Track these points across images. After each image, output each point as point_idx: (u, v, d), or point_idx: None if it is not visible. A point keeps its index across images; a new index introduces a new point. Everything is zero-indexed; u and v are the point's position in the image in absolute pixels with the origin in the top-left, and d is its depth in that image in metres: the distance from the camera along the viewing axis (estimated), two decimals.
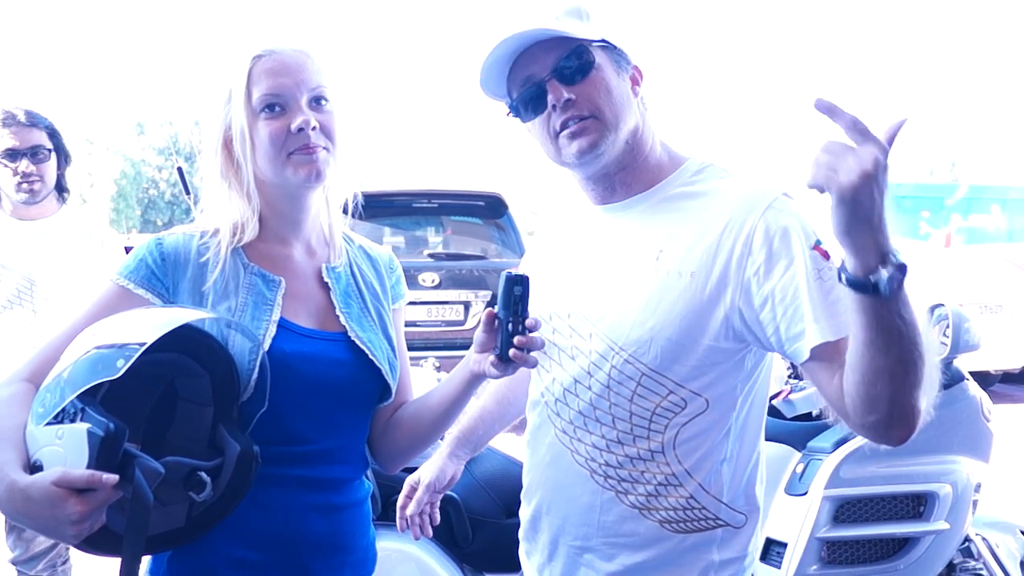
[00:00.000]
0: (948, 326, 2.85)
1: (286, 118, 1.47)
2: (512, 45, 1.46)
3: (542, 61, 1.46)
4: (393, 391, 1.60)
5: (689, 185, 1.51)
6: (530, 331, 1.41)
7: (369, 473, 1.66)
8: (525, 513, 1.67)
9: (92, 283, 2.97)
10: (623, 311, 1.47)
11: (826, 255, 1.36)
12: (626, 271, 1.50)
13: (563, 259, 1.63)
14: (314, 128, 1.47)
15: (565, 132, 1.46)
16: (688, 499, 1.47)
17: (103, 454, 1.21)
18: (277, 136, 1.47)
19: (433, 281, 7.66)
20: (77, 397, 1.24)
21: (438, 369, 4.33)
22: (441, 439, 2.64)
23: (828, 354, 1.33)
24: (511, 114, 1.54)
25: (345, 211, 1.66)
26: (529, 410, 1.66)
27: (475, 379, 1.51)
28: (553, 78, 1.45)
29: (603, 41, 1.48)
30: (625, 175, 1.53)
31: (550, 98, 1.46)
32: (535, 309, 1.55)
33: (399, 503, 1.94)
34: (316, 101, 1.50)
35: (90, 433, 1.21)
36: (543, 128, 1.49)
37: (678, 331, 1.42)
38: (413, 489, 1.92)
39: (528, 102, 1.49)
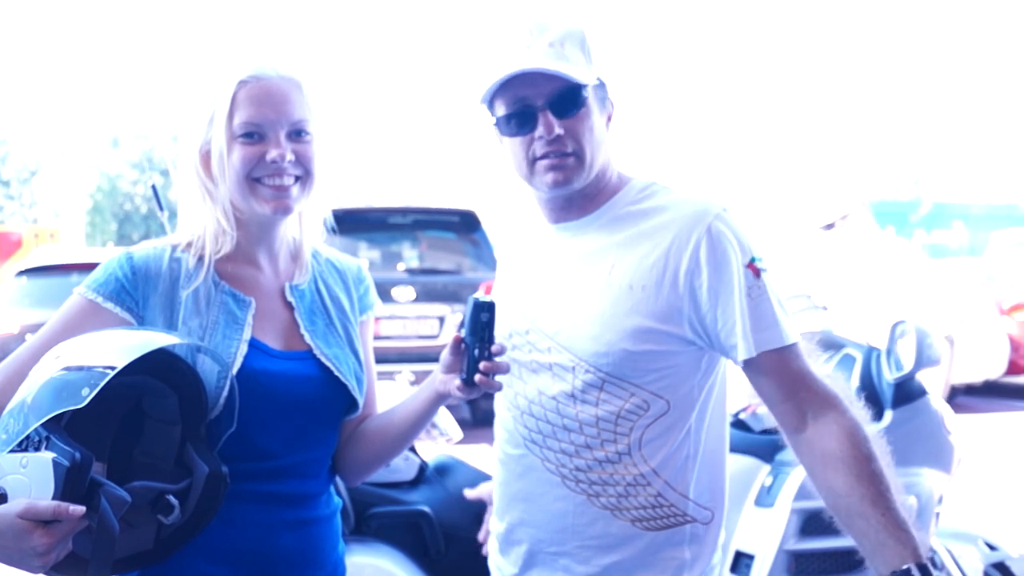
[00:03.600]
0: (911, 341, 2.91)
1: (262, 146, 1.48)
2: (515, 71, 1.50)
3: (539, 88, 1.50)
4: (360, 405, 1.60)
5: (636, 203, 1.58)
6: (496, 356, 1.44)
7: (341, 488, 1.67)
8: (499, 528, 1.69)
9: None
10: (579, 325, 1.54)
11: (757, 272, 1.49)
12: (581, 286, 1.56)
13: (519, 277, 1.69)
14: (290, 160, 1.49)
15: (544, 162, 1.52)
16: (656, 497, 1.54)
17: (69, 484, 1.20)
18: (248, 161, 1.48)
19: (408, 296, 7.67)
20: (42, 424, 1.23)
21: (413, 383, 4.34)
22: (415, 454, 2.66)
23: (761, 363, 1.49)
24: (491, 116, 1.59)
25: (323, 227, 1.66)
26: (497, 427, 1.70)
27: (440, 398, 1.53)
28: (548, 109, 1.50)
29: (598, 81, 1.56)
30: (583, 199, 1.60)
31: (540, 129, 1.51)
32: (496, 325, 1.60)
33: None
34: (297, 133, 1.51)
35: (56, 463, 1.20)
36: (522, 148, 1.54)
37: (633, 341, 1.50)
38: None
39: (516, 121, 1.53)
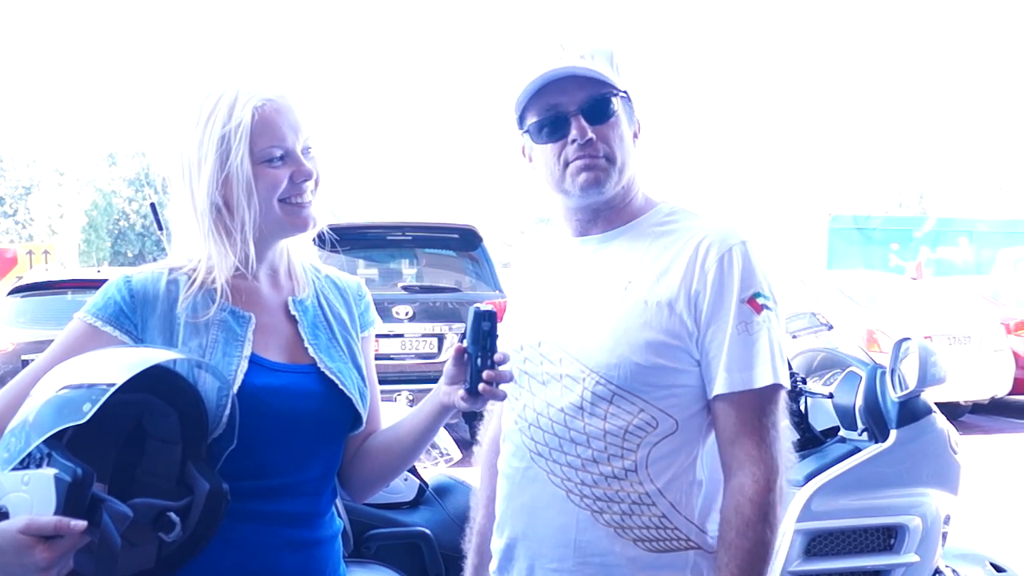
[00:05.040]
0: (915, 360, 2.89)
1: (287, 168, 1.51)
2: (548, 74, 1.55)
3: (572, 95, 1.55)
4: (364, 420, 1.60)
5: (661, 225, 1.61)
6: (499, 365, 1.44)
7: (341, 510, 1.66)
8: (498, 544, 1.68)
9: None
10: (592, 336, 1.55)
11: (758, 308, 1.51)
12: (597, 299, 1.58)
13: (536, 289, 1.70)
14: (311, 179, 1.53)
15: (578, 163, 1.56)
16: (661, 518, 1.53)
17: (71, 500, 1.20)
18: (277, 184, 1.51)
19: (407, 314, 7.65)
20: (43, 442, 1.23)
21: (411, 404, 4.32)
22: (414, 475, 2.63)
23: (726, 400, 1.51)
24: (520, 127, 1.63)
25: (322, 243, 1.67)
26: (502, 440, 1.69)
27: (445, 410, 1.53)
28: (580, 114, 1.55)
29: (625, 93, 1.60)
30: (610, 212, 1.63)
31: (573, 132, 1.55)
32: (508, 338, 1.62)
33: None
34: (307, 150, 1.54)
35: (57, 479, 1.20)
36: (555, 155, 1.57)
37: (644, 355, 1.51)
38: None
39: (548, 128, 1.57)
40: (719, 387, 1.50)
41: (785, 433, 1.55)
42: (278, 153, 1.50)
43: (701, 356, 1.52)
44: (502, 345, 1.50)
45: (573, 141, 1.55)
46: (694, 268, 1.52)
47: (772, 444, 1.50)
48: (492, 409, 1.82)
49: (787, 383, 1.54)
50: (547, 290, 1.67)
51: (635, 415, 1.52)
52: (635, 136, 1.63)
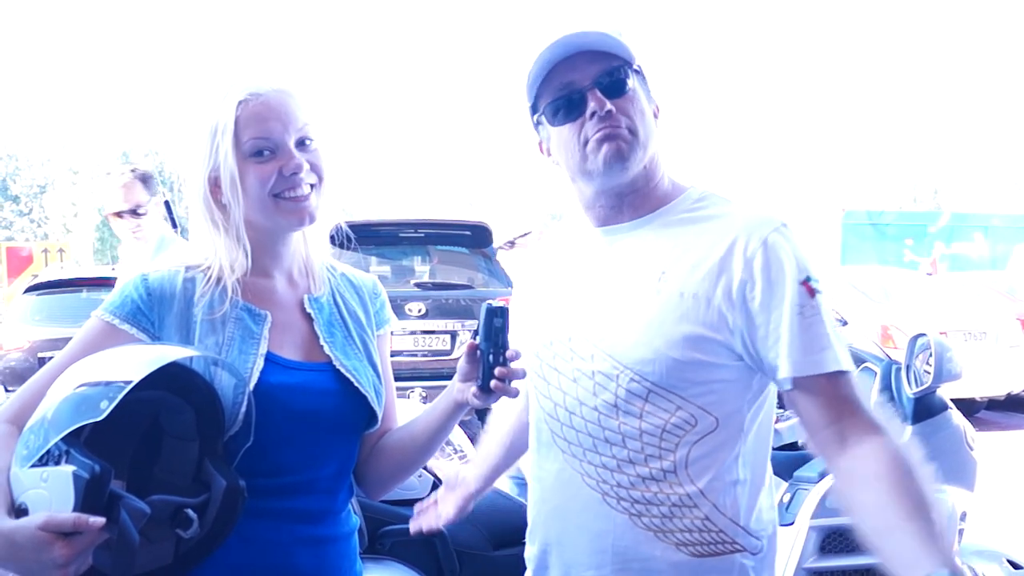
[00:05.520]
0: (931, 355, 2.87)
1: (276, 162, 1.49)
2: (557, 51, 1.49)
3: (584, 70, 1.48)
4: (379, 418, 1.60)
5: (692, 212, 1.53)
6: (511, 362, 1.44)
7: (356, 507, 1.66)
8: (531, 552, 1.62)
9: None
10: (626, 331, 1.47)
11: (812, 292, 1.42)
12: (628, 292, 1.50)
13: (561, 283, 1.62)
14: (305, 170, 1.50)
15: (598, 135, 1.47)
16: (704, 520, 1.46)
17: (89, 497, 1.21)
18: (266, 179, 1.49)
19: (419, 311, 7.65)
20: (61, 439, 1.24)
21: (424, 400, 4.34)
22: (428, 472, 2.64)
23: (806, 386, 1.41)
24: (535, 115, 1.57)
25: (334, 242, 1.67)
26: (531, 441, 1.64)
27: (458, 407, 1.53)
28: (596, 88, 1.48)
29: (639, 68, 1.53)
30: (634, 197, 1.54)
31: (591, 106, 1.47)
32: (535, 333, 1.58)
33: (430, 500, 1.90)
34: (302, 142, 1.52)
35: (75, 476, 1.21)
36: (574, 134, 1.50)
37: (681, 350, 1.43)
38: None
39: (564, 107, 1.50)
40: (786, 371, 1.40)
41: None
42: (265, 146, 1.49)
43: (756, 346, 1.43)
44: (529, 341, 1.49)
45: (593, 115, 1.47)
46: (735, 257, 1.44)
47: (884, 422, 1.39)
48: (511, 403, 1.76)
49: (853, 368, 1.43)
50: (574, 283, 1.58)
51: (672, 413, 1.45)
52: (655, 115, 1.56)
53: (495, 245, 4.25)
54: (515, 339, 1.49)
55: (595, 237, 1.59)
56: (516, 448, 1.84)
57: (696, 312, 1.44)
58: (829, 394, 1.40)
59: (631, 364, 1.46)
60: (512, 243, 4.19)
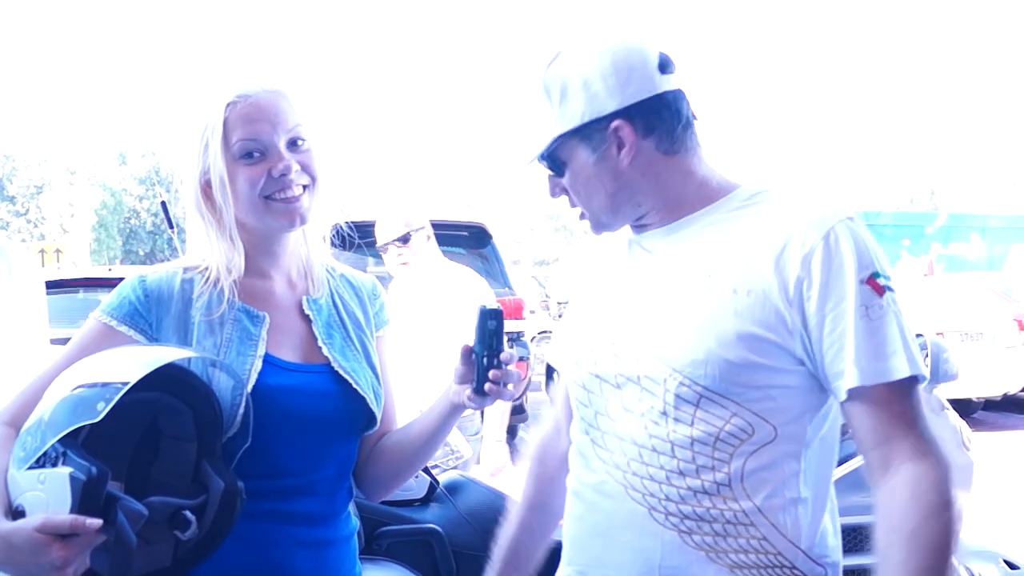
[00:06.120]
0: (927, 356, 2.88)
1: (266, 163, 1.49)
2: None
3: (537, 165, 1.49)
4: (378, 419, 1.60)
5: (743, 207, 1.41)
6: (505, 364, 1.44)
7: (353, 508, 1.66)
8: (566, 572, 1.51)
9: None
10: (674, 331, 1.37)
11: (880, 290, 1.30)
12: (675, 293, 1.39)
13: (601, 289, 1.54)
14: (296, 171, 1.50)
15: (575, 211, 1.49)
16: (761, 541, 1.33)
17: (86, 498, 1.21)
18: (255, 180, 1.49)
19: None
20: (58, 440, 1.24)
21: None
22: (425, 472, 2.64)
23: (865, 397, 1.29)
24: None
25: (332, 242, 1.67)
26: (571, 453, 1.52)
27: (455, 409, 1.53)
28: (550, 173, 1.48)
29: (573, 129, 1.40)
30: (651, 216, 1.46)
31: (549, 191, 1.50)
32: (576, 341, 1.52)
33: None
34: (293, 143, 1.51)
35: (72, 478, 1.21)
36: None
37: (736, 351, 1.32)
38: None
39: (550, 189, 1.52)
40: (851, 381, 1.27)
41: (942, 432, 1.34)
42: (254, 148, 1.48)
43: (815, 352, 1.31)
44: (568, 350, 1.46)
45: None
46: (794, 251, 1.31)
47: (933, 440, 1.28)
48: (545, 414, 1.71)
49: (926, 373, 1.32)
50: (615, 287, 1.49)
51: (727, 420, 1.32)
52: (621, 147, 1.40)
53: (379, 242, 4.02)
54: (558, 350, 1.46)
55: (633, 240, 1.51)
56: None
57: (751, 310, 1.32)
58: (885, 408, 1.29)
59: (681, 367, 1.34)
60: (385, 246, 3.96)
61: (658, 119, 1.41)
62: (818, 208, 1.36)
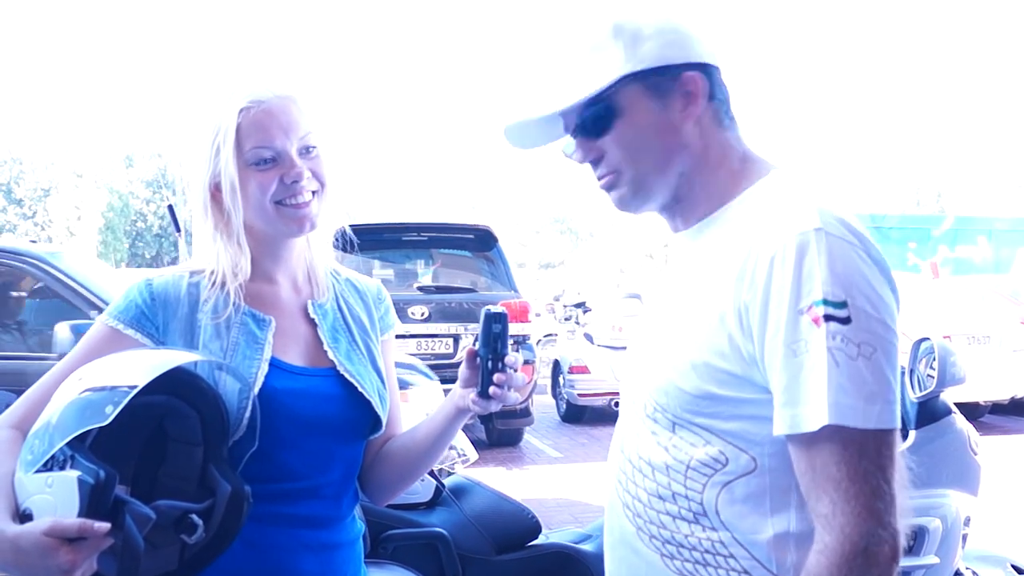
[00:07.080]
0: (934, 360, 2.86)
1: (278, 169, 1.49)
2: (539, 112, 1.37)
3: (571, 114, 1.34)
4: (384, 423, 1.60)
5: (740, 212, 1.29)
6: (509, 367, 1.43)
7: (359, 512, 1.66)
8: None
9: None
10: (654, 356, 1.33)
11: (820, 321, 1.11)
12: (667, 308, 1.35)
13: (649, 293, 1.50)
14: (307, 177, 1.50)
15: (601, 183, 1.36)
16: (741, 574, 1.23)
17: (94, 502, 1.21)
18: (267, 186, 1.49)
19: (422, 314, 7.66)
20: (66, 444, 1.24)
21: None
22: (431, 475, 2.64)
23: (792, 444, 1.16)
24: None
25: (337, 245, 1.67)
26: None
27: (460, 413, 1.53)
28: (578, 134, 1.35)
29: (635, 73, 1.29)
30: (683, 207, 1.36)
31: (576, 156, 1.37)
32: (632, 347, 1.47)
33: None
34: (305, 149, 1.52)
35: (80, 481, 1.21)
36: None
37: (692, 381, 1.23)
38: None
39: (571, 156, 1.39)
40: (776, 426, 1.15)
41: (893, 485, 1.12)
42: (267, 155, 1.49)
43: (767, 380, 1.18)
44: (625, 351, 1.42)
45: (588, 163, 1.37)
46: (747, 267, 1.18)
47: (849, 501, 1.10)
48: None
49: (862, 422, 1.10)
50: (652, 294, 1.46)
51: (699, 448, 1.24)
52: (690, 101, 1.30)
53: None
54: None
55: (675, 241, 1.42)
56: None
57: (709, 336, 1.21)
58: (806, 461, 1.14)
59: (651, 392, 1.30)
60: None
61: (720, 88, 1.33)
62: (785, 215, 1.19)
